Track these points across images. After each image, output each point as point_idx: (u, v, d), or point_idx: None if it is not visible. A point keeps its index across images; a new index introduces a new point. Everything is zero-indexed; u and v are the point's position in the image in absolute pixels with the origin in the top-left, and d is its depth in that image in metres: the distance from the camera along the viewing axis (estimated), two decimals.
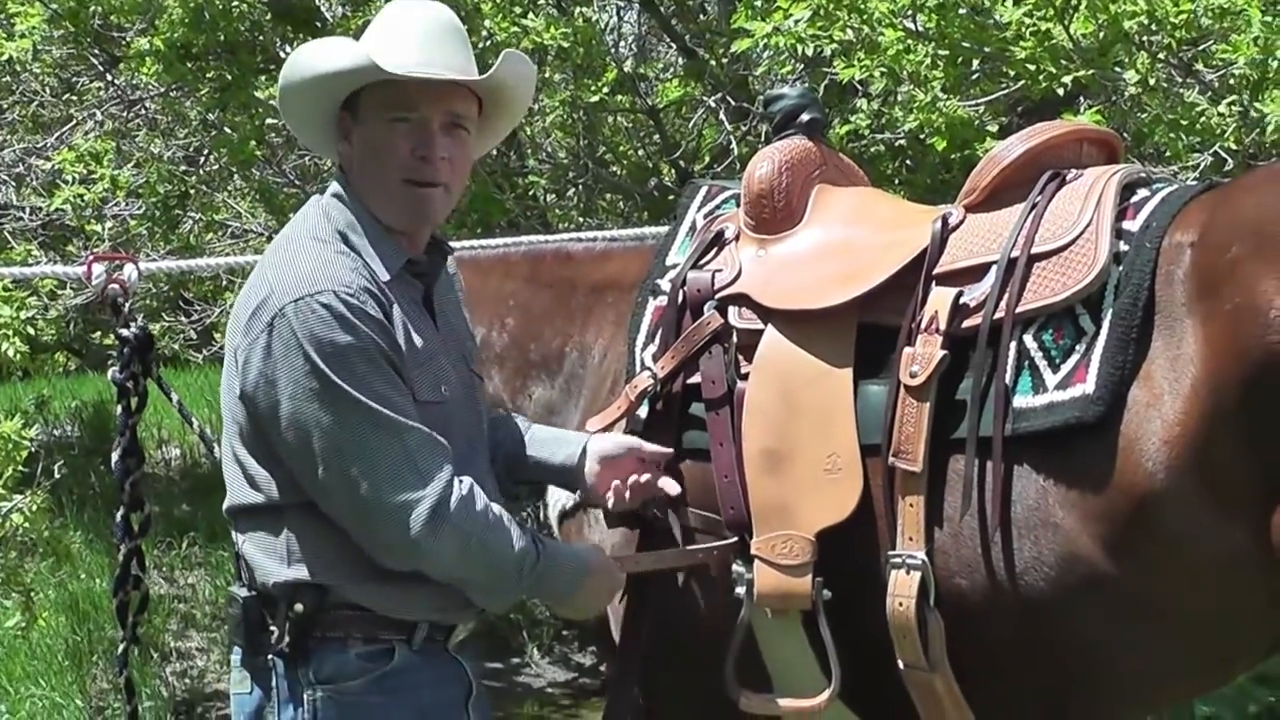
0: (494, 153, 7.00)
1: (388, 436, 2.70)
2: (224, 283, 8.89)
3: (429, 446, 2.74)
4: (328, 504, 2.76)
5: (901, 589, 2.87)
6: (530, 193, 7.13)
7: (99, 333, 10.48)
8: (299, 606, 2.78)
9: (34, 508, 5.33)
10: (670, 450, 3.05)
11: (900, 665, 2.93)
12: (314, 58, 2.84)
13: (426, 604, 2.84)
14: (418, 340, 2.81)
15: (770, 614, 3.01)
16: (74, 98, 8.17)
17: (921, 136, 5.53)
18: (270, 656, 2.82)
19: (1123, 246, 2.79)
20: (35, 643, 7.47)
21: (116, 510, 3.42)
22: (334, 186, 2.89)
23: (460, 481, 2.75)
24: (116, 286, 3.55)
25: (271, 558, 2.82)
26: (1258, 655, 2.93)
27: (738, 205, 3.23)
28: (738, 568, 3.01)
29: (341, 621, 2.81)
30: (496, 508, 2.81)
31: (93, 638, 7.52)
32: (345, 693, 2.81)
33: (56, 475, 7.06)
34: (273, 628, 2.81)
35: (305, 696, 2.80)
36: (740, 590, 3.01)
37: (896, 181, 6.09)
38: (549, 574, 2.86)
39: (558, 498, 3.18)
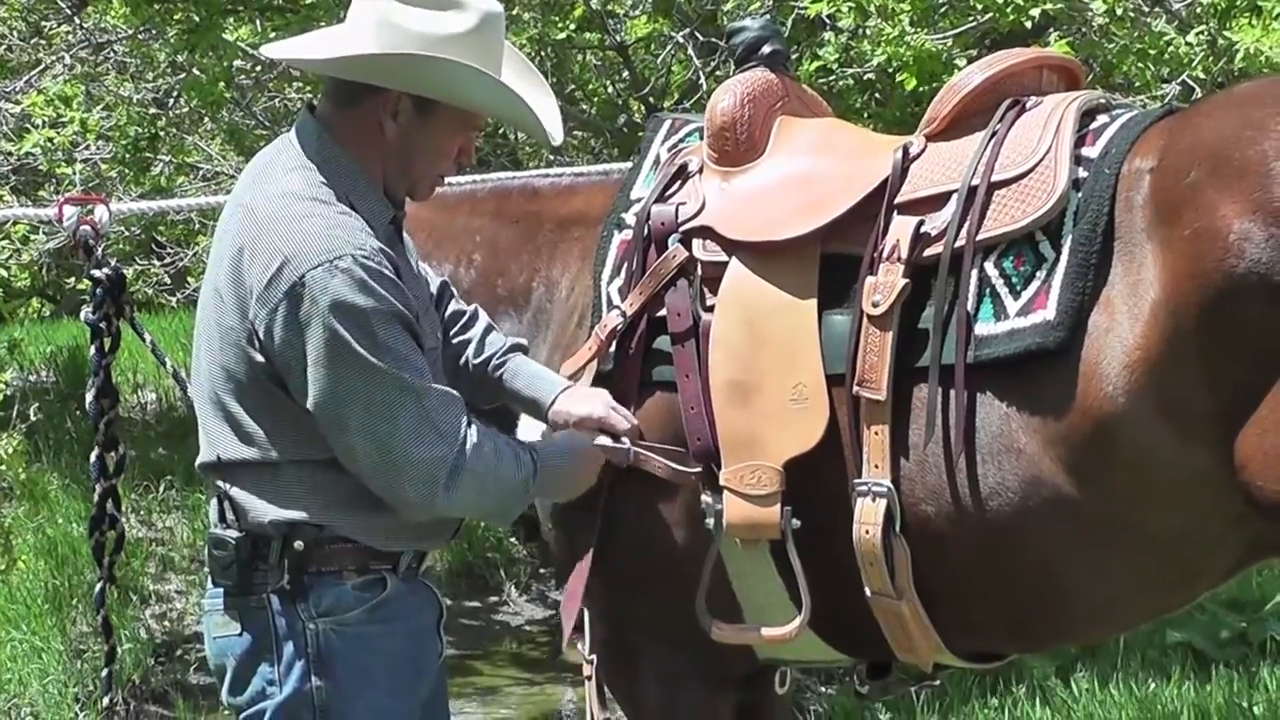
0: None
1: (409, 399, 2.77)
2: (196, 225, 8.85)
3: (446, 403, 2.82)
4: (353, 465, 2.80)
5: (867, 517, 2.90)
6: (500, 130, 7.10)
7: (73, 278, 10.45)
8: (297, 544, 2.83)
9: (10, 450, 5.34)
10: (635, 425, 3.07)
11: (868, 593, 2.96)
12: (451, 73, 2.79)
13: (410, 534, 2.93)
14: (415, 291, 2.90)
15: (740, 544, 3.03)
16: (42, 41, 8.11)
17: (890, 71, 5.52)
18: (265, 595, 2.85)
19: (1082, 173, 2.80)
20: (15, 587, 7.49)
21: (92, 451, 3.45)
22: (315, 139, 2.85)
23: (473, 432, 2.84)
24: (88, 228, 3.55)
25: (266, 500, 2.85)
26: (1219, 575, 2.96)
27: (701, 138, 3.23)
28: (706, 498, 3.04)
29: (336, 555, 2.86)
30: (494, 438, 2.90)
31: (72, 582, 7.53)
32: (345, 624, 2.86)
33: (32, 419, 7.06)
34: (265, 567, 2.84)
35: (307, 630, 2.84)
36: (709, 521, 3.03)
37: (865, 115, 6.08)
38: (547, 479, 2.98)
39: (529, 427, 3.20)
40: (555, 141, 3.05)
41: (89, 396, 3.44)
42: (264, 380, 2.81)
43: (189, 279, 9.39)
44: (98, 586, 3.52)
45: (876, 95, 6.18)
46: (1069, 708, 5.55)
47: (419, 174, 2.93)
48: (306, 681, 2.84)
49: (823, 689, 6.70)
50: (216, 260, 2.89)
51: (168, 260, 9.20)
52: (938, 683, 3.30)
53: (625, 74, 7.61)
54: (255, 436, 2.84)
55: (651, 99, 7.10)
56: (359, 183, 2.86)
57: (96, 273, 3.45)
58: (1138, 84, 5.02)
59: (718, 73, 6.60)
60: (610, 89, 7.82)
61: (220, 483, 2.90)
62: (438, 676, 3.05)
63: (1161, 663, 5.92)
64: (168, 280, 9.63)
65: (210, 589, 2.95)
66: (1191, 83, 4.92)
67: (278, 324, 2.74)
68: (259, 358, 2.79)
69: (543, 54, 7.06)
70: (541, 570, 8.31)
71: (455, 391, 2.87)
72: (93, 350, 3.45)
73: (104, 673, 3.70)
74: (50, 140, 7.08)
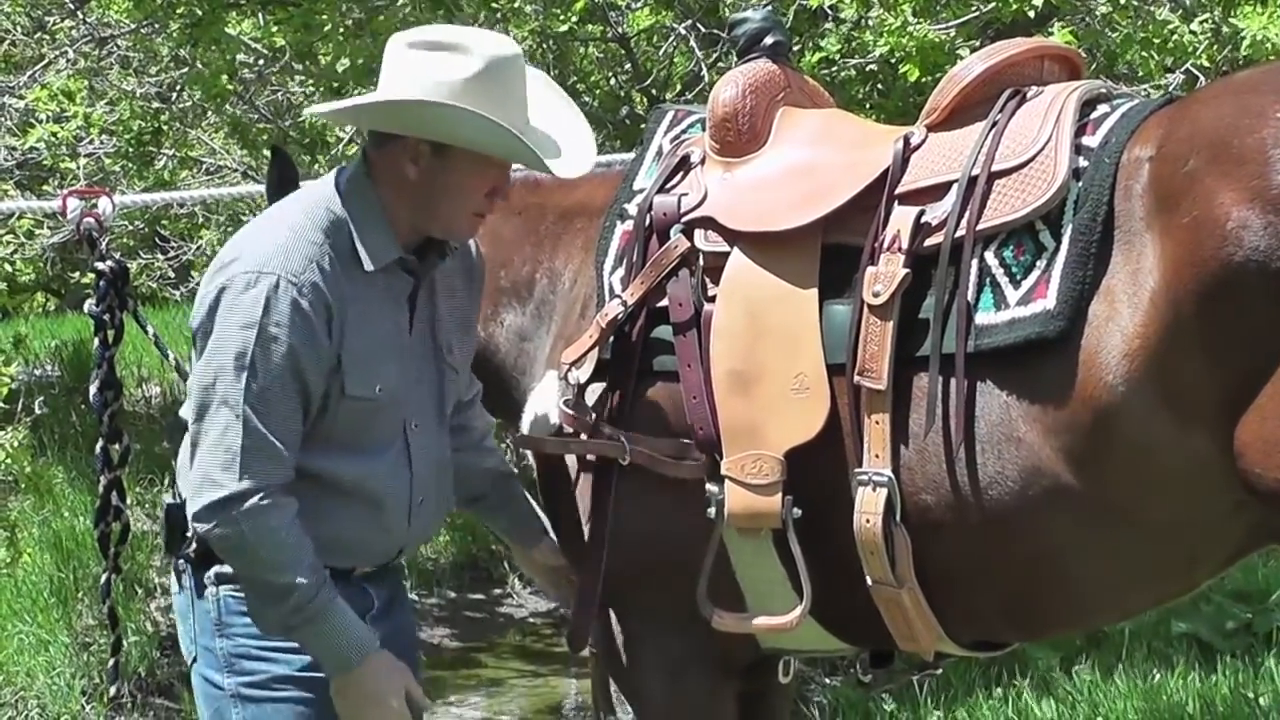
0: None
1: (235, 421, 2.86)
2: (200, 220, 8.87)
3: (264, 454, 2.87)
4: (190, 447, 2.93)
5: (868, 506, 2.91)
6: None
7: (77, 273, 10.47)
8: None
9: (15, 443, 5.35)
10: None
11: (869, 582, 2.97)
12: (456, 118, 2.87)
13: (338, 552, 2.99)
14: (363, 338, 2.94)
15: (741, 533, 3.04)
16: (45, 36, 8.12)
17: (893, 61, 5.52)
18: (181, 560, 3.05)
19: (1082, 162, 2.81)
20: (20, 580, 7.50)
21: (96, 443, 3.47)
22: (355, 170, 3.00)
23: (271, 497, 2.87)
24: (92, 220, 3.57)
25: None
26: (1220, 563, 2.97)
27: (703, 129, 3.24)
28: (708, 488, 3.05)
29: None
30: (299, 536, 2.89)
31: (77, 575, 7.54)
32: (241, 592, 2.98)
33: (37, 412, 7.08)
34: (188, 534, 3.00)
35: (209, 594, 3.01)
36: (711, 510, 3.04)
37: (868, 106, 6.08)
38: (317, 630, 2.91)
39: (534, 409, 3.21)
40: (564, 174, 3.04)
41: (92, 389, 3.47)
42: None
43: (192, 273, 9.40)
44: (103, 578, 3.54)
45: (879, 86, 6.18)
46: (1073, 699, 5.55)
47: (447, 214, 2.98)
48: (214, 640, 3.01)
49: (826, 680, 6.71)
50: None
51: (171, 254, 9.21)
52: (940, 670, 3.32)
53: (627, 66, 7.60)
54: None
55: (654, 91, 7.09)
56: (371, 218, 2.95)
57: (100, 265, 3.48)
58: (1141, 73, 5.01)
59: (720, 64, 6.60)
60: (612, 81, 7.82)
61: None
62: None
63: (1166, 654, 5.91)
64: (171, 274, 9.65)
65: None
66: (1196, 72, 4.91)
67: (203, 305, 2.92)
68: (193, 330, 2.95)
69: (544, 46, 7.07)
70: None
71: (286, 454, 2.89)
72: (96, 342, 3.48)
73: (110, 664, 3.73)
74: (54, 135, 7.09)
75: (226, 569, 2.98)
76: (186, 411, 2.95)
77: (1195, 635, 6.05)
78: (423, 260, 3.04)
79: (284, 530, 2.88)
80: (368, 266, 2.94)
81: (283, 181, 3.53)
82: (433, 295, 3.10)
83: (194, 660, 3.07)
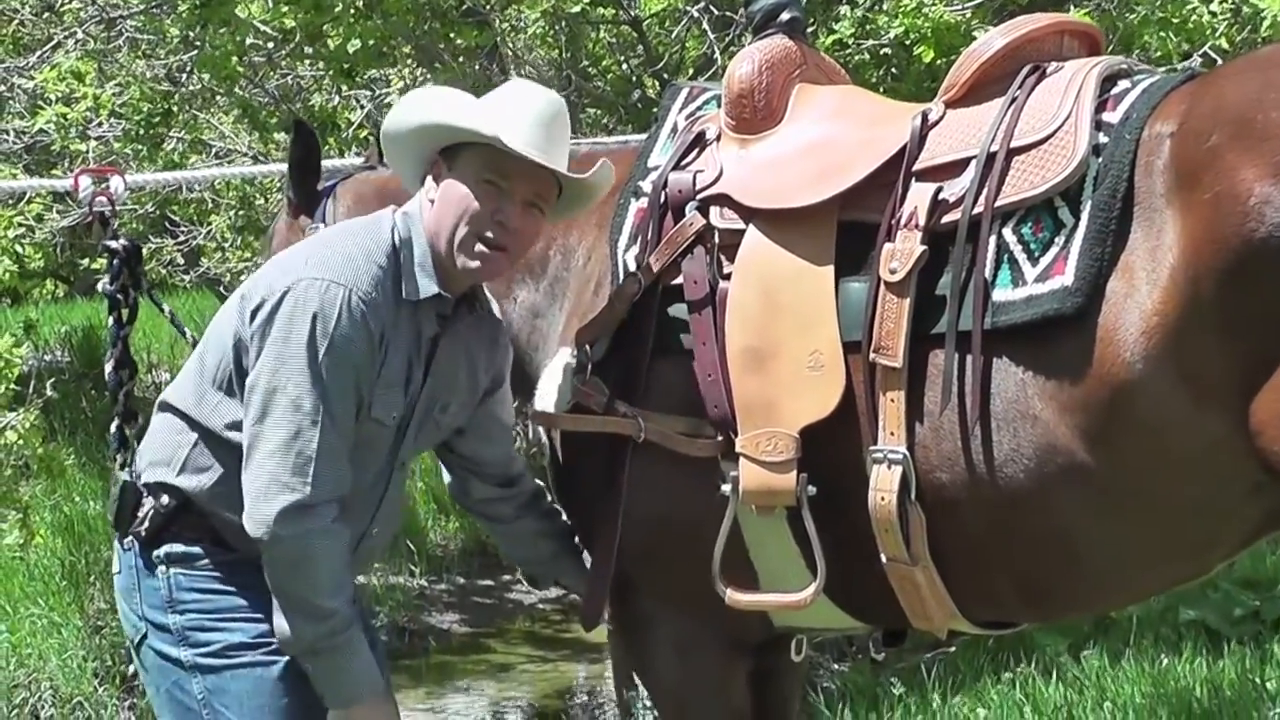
0: (477, 67, 6.97)
1: (309, 427, 2.88)
2: (209, 205, 8.86)
3: (334, 461, 2.92)
4: (247, 445, 2.93)
5: (883, 484, 2.90)
6: None
7: (86, 259, 10.46)
8: (166, 501, 3.02)
9: (27, 425, 5.36)
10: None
11: (883, 559, 2.96)
12: (436, 107, 3.03)
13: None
14: (395, 364, 3.01)
15: (755, 511, 3.03)
16: (54, 17, 8.11)
17: (908, 43, 5.50)
18: (130, 538, 3.06)
19: (1102, 138, 2.79)
20: (33, 564, 7.54)
21: (111, 422, 3.48)
22: (413, 205, 3.08)
23: (336, 516, 2.92)
24: (104, 199, 3.57)
25: (166, 453, 3.04)
26: (1236, 544, 2.95)
27: (719, 106, 3.22)
28: (724, 465, 3.03)
29: (196, 526, 3.04)
30: (347, 567, 2.97)
31: (89, 559, 7.57)
32: (195, 569, 3.04)
33: (49, 394, 7.09)
34: (139, 514, 3.04)
35: (159, 573, 3.04)
36: (725, 488, 3.03)
37: (881, 90, 6.06)
38: (338, 661, 2.95)
39: (547, 385, 3.21)
40: (515, 148, 2.98)
41: (108, 367, 3.49)
42: (239, 350, 2.97)
43: (202, 258, 9.39)
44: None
45: (892, 70, 6.15)
46: (1081, 684, 5.55)
47: (456, 231, 3.00)
48: (166, 616, 3.03)
49: (834, 665, 6.71)
50: None
51: (181, 239, 9.20)
52: (953, 649, 3.30)
53: (639, 49, 7.58)
54: (204, 397, 3.01)
55: (665, 75, 7.07)
56: (419, 253, 3.02)
57: (113, 244, 3.49)
58: (1159, 54, 4.98)
59: (732, 47, 6.58)
60: (624, 65, 7.80)
61: (152, 423, 3.10)
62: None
63: (1174, 640, 5.91)
64: (180, 261, 9.64)
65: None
66: (1214, 54, 4.88)
67: (266, 307, 2.92)
68: (244, 331, 2.95)
69: (556, 29, 7.05)
70: None
71: (348, 463, 2.94)
72: (110, 321, 3.49)
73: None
74: (63, 117, 7.07)
75: (176, 549, 3.02)
76: (248, 412, 2.93)
77: (1203, 622, 6.05)
78: (454, 310, 3.11)
79: (341, 556, 2.94)
80: (409, 297, 3.00)
81: (306, 156, 3.54)
82: (452, 347, 3.14)
83: (143, 637, 3.08)
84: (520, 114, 2.99)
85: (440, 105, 3.04)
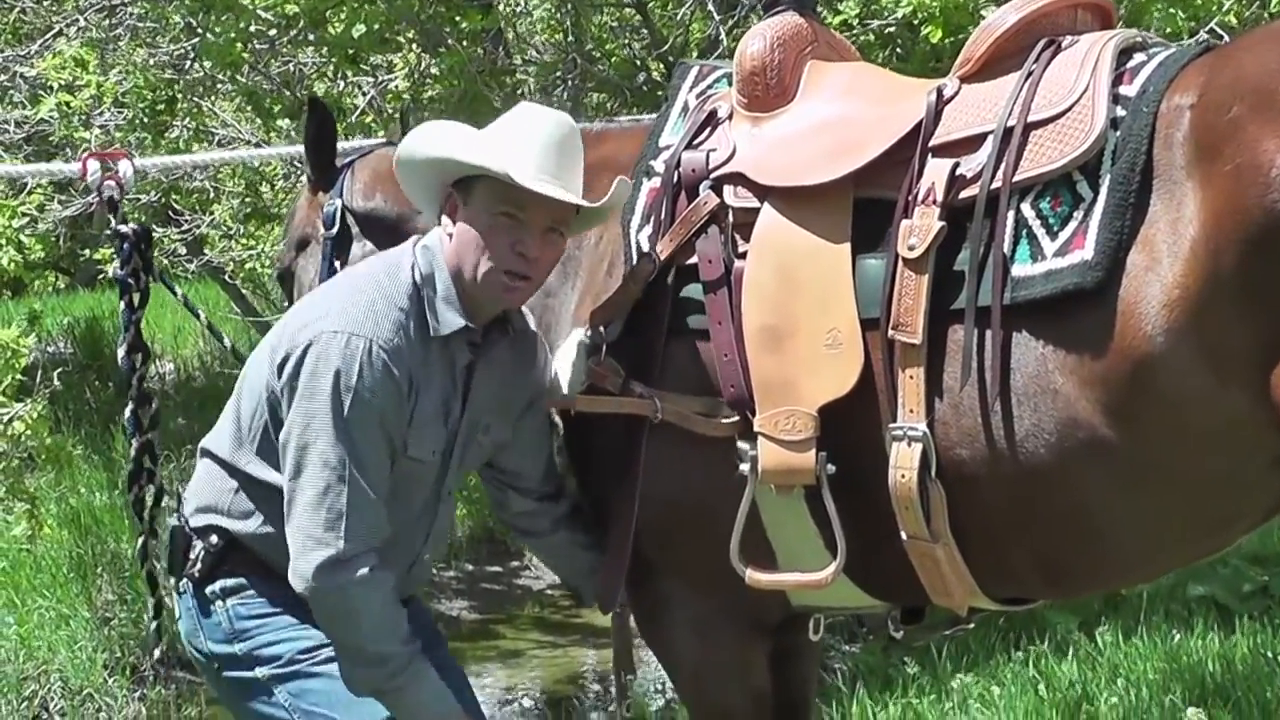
0: (481, 51, 6.95)
1: (337, 482, 2.93)
2: (211, 194, 8.85)
3: (366, 513, 2.97)
4: (286, 501, 3.00)
5: (903, 461, 2.89)
6: (518, 90, 7.07)
7: (88, 250, 10.45)
8: (213, 539, 3.12)
9: (35, 415, 5.36)
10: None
11: (904, 537, 2.95)
12: (446, 141, 3.04)
13: None
14: (430, 402, 3.05)
15: (775, 490, 3.02)
16: (55, 5, 8.07)
17: (915, 23, 5.48)
18: (185, 579, 3.15)
19: (1120, 111, 2.77)
20: (40, 556, 7.53)
21: (125, 407, 3.49)
22: (432, 238, 3.10)
23: (374, 564, 2.97)
24: (112, 183, 3.56)
25: (209, 504, 3.13)
26: (1258, 518, 2.94)
27: (730, 84, 3.21)
28: (741, 445, 3.03)
29: (246, 561, 3.13)
30: (395, 609, 3.02)
31: (96, 551, 7.57)
32: (249, 598, 3.12)
33: (55, 384, 7.09)
34: (190, 556, 3.13)
35: (216, 608, 3.13)
36: (744, 467, 3.03)
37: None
38: (401, 700, 3.02)
39: (560, 365, 3.20)
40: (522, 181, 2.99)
41: (120, 352, 3.49)
42: (273, 402, 3.03)
43: (205, 248, 9.37)
44: (139, 541, 3.57)
45: (898, 50, 6.13)
46: (1094, 660, 5.55)
47: (479, 266, 3.01)
48: (232, 646, 3.11)
49: (846, 647, 6.71)
50: None
51: (184, 228, 9.18)
52: (972, 625, 3.30)
53: (644, 32, 7.55)
54: (241, 446, 3.08)
55: (671, 57, 7.04)
56: (443, 288, 3.04)
57: (123, 228, 3.47)
58: (1168, 30, 4.96)
59: (737, 30, 6.55)
60: (628, 48, 7.77)
61: (198, 469, 3.17)
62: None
63: (1184, 616, 5.91)
64: (183, 250, 9.62)
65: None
66: (1221, 31, 4.86)
67: (290, 363, 2.98)
68: (274, 384, 3.01)
69: (561, 12, 7.02)
70: None
71: (383, 512, 3.00)
72: (122, 306, 3.48)
73: (152, 626, 3.82)
74: (66, 104, 7.05)
75: (229, 582, 3.10)
76: (286, 462, 2.99)
77: (1212, 598, 6.06)
78: (485, 336, 3.12)
79: (385, 602, 2.98)
80: (436, 332, 3.03)
81: (321, 133, 3.52)
82: (488, 371, 3.15)
83: (217, 669, 3.15)
84: (530, 143, 2.99)
85: (450, 140, 3.05)
